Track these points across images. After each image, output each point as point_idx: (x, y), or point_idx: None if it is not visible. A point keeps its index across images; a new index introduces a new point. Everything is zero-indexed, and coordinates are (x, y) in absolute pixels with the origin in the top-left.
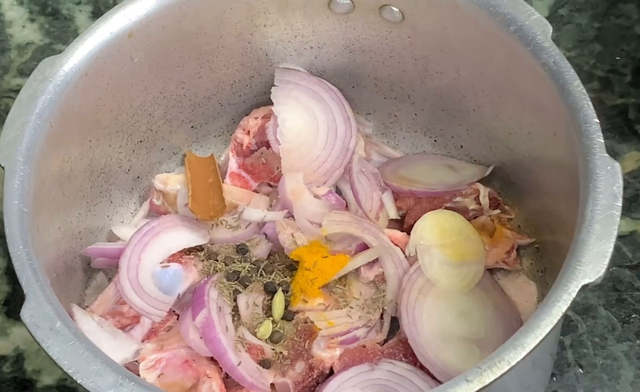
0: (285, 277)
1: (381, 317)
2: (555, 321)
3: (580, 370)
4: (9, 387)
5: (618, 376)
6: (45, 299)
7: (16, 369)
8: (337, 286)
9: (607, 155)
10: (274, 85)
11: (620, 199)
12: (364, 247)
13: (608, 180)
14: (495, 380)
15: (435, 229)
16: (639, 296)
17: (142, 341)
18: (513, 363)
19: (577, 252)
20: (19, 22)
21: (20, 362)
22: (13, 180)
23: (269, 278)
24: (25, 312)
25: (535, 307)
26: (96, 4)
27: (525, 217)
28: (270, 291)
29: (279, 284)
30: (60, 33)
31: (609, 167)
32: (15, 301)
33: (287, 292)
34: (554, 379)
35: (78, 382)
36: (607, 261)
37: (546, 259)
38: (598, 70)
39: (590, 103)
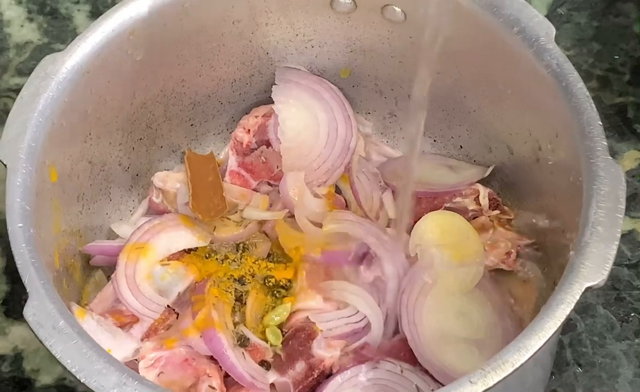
0: (285, 276)
1: None
2: (559, 324)
3: (579, 369)
4: (8, 386)
5: (617, 374)
6: (48, 297)
7: (15, 369)
8: (338, 286)
9: (610, 158)
10: (275, 84)
11: (624, 202)
12: (365, 246)
13: (611, 183)
14: (499, 382)
15: (435, 230)
16: (637, 294)
17: (142, 340)
18: (517, 365)
19: (580, 254)
20: (17, 21)
21: (19, 362)
22: (15, 177)
23: (269, 277)
24: (28, 311)
25: (534, 309)
26: (95, 4)
27: (525, 218)
28: (270, 289)
29: (280, 285)
30: (59, 32)
31: (612, 170)
32: (14, 300)
33: (288, 290)
34: (553, 377)
35: (81, 381)
36: (610, 264)
37: (545, 260)
38: (597, 69)
39: (593, 105)
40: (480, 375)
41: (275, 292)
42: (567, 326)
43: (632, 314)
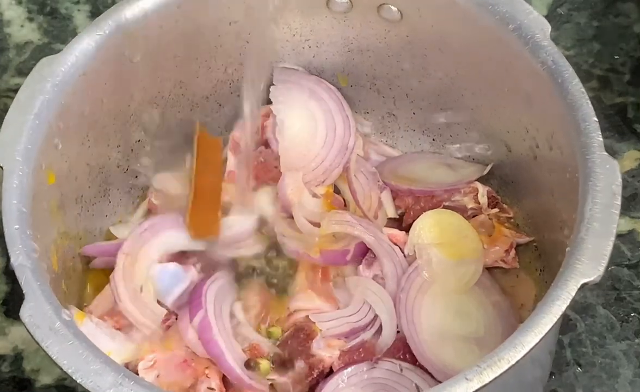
0: (286, 275)
1: None
2: (554, 320)
3: (579, 369)
4: (8, 386)
5: (617, 374)
6: (44, 298)
7: (15, 369)
8: (338, 286)
9: (605, 153)
10: (273, 85)
11: (619, 197)
12: (363, 246)
13: (607, 178)
14: (494, 379)
15: (433, 229)
16: (637, 294)
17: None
18: (513, 362)
19: (576, 250)
20: (17, 21)
21: (19, 362)
22: (12, 180)
23: (270, 276)
24: (25, 312)
25: (534, 306)
26: (95, 4)
27: (523, 216)
28: (270, 285)
29: (279, 287)
30: (59, 32)
31: (607, 166)
32: (13, 300)
33: (286, 290)
34: (553, 377)
35: (78, 381)
36: (606, 260)
37: (544, 257)
38: (597, 69)
39: (589, 101)
40: (476, 372)
41: (277, 288)
42: (567, 326)
43: (632, 314)
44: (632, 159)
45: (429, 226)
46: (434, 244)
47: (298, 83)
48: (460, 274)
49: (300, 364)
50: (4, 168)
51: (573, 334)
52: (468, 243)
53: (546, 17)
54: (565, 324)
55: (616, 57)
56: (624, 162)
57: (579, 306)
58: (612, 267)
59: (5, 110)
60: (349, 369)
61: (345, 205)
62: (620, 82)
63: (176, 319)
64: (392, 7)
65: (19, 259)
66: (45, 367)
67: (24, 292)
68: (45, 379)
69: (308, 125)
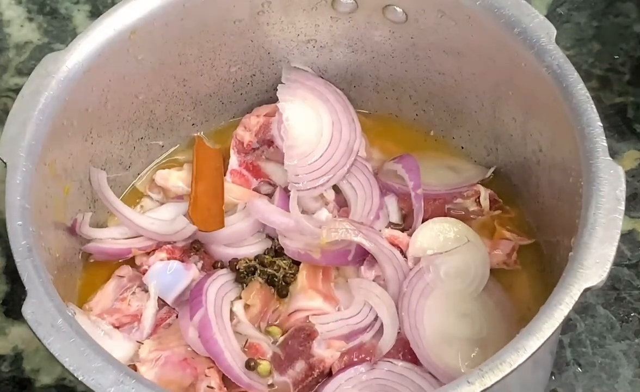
0: (287, 275)
1: None
2: (557, 324)
3: (579, 369)
4: (8, 386)
5: (617, 374)
6: (46, 295)
7: (15, 369)
8: (339, 287)
9: (610, 158)
10: (281, 83)
11: (623, 203)
12: (363, 249)
13: (611, 184)
14: (496, 382)
15: (437, 237)
16: (637, 294)
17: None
18: (515, 365)
19: (579, 255)
20: (17, 21)
21: (19, 362)
22: (15, 176)
23: (271, 276)
24: (27, 309)
25: (536, 308)
26: (94, 3)
27: (525, 218)
28: (271, 285)
29: (280, 286)
30: (59, 32)
31: (612, 171)
32: (13, 300)
33: (287, 290)
34: (553, 378)
35: (79, 379)
36: (609, 265)
37: (546, 258)
38: (597, 69)
39: (593, 106)
40: (478, 375)
41: (278, 287)
42: (567, 326)
43: (632, 314)
44: (632, 159)
45: (432, 236)
46: (438, 253)
47: (306, 84)
48: (468, 281)
49: (300, 364)
50: (7, 164)
51: (573, 334)
52: (472, 249)
53: (546, 17)
54: (565, 324)
55: (616, 57)
56: (624, 162)
57: (579, 306)
58: (612, 267)
59: (5, 110)
60: (349, 370)
61: (346, 204)
62: (620, 82)
63: (176, 317)
64: (398, 8)
65: (22, 255)
66: (45, 367)
67: (26, 288)
68: (45, 379)
69: (314, 125)
